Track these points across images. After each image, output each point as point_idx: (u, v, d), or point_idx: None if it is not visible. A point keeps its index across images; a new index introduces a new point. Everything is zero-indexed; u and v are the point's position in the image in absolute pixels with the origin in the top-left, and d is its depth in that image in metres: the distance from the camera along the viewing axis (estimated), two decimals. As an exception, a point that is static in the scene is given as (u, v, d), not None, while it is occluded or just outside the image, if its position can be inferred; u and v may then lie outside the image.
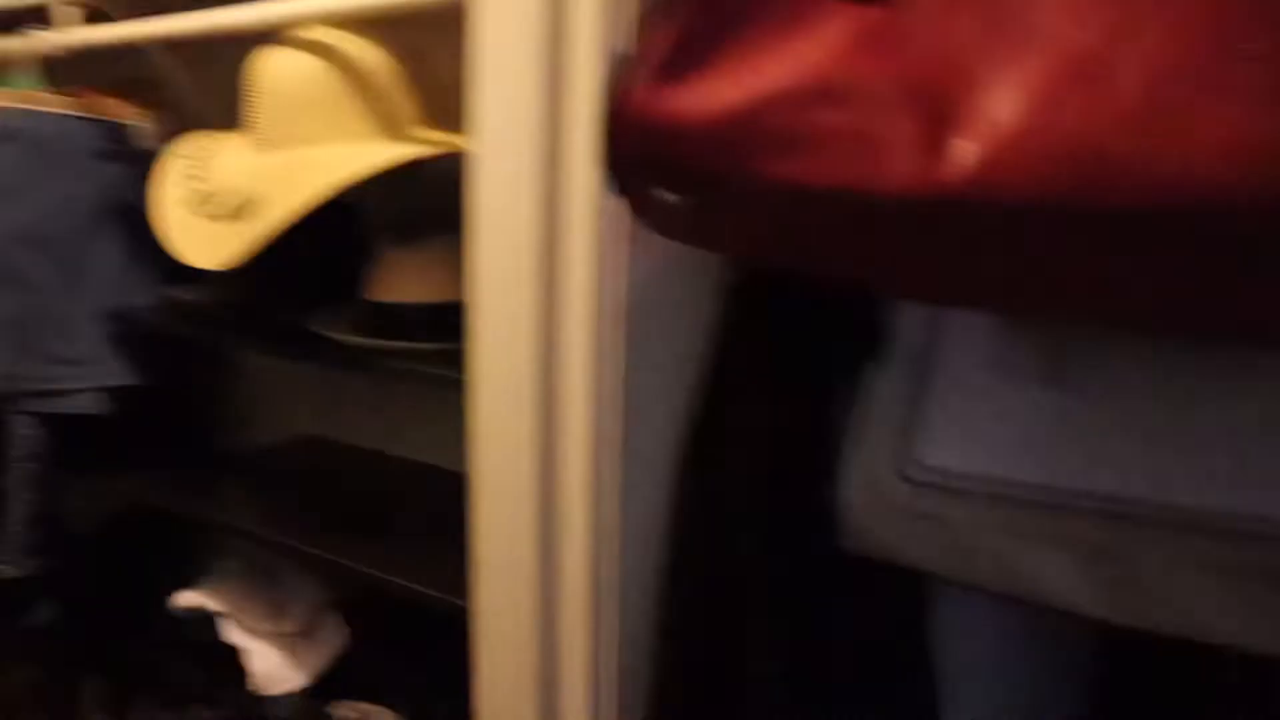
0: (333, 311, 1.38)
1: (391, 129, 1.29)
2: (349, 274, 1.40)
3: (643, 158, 0.65)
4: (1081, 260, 0.59)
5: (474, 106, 0.81)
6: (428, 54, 1.33)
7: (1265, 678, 0.75)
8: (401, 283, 1.32)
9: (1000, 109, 0.54)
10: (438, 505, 1.49)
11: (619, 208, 0.72)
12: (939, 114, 0.56)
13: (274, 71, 1.26)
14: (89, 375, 1.51)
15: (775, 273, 0.76)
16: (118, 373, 1.52)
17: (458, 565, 0.92)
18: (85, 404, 1.51)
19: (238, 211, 1.26)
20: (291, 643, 1.48)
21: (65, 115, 1.49)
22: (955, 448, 0.72)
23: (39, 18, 1.44)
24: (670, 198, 0.65)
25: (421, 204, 1.28)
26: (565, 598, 0.85)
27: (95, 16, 1.42)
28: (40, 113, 1.47)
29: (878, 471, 0.73)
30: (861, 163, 0.58)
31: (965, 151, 0.54)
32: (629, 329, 0.78)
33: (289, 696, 1.43)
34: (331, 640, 1.52)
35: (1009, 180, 0.54)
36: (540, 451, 0.82)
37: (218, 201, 1.28)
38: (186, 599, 1.52)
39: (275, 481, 1.61)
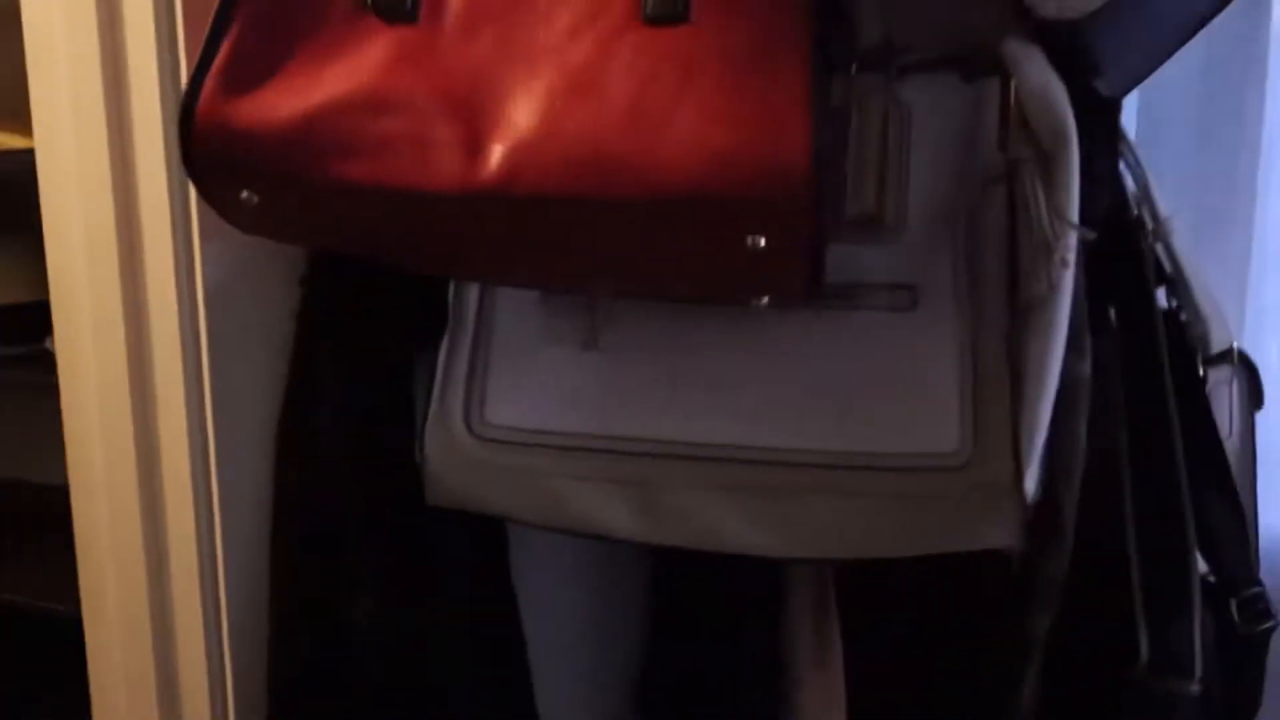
0: None
1: None
2: None
3: (217, 162, 0.70)
4: (596, 241, 0.69)
5: (36, 110, 0.82)
6: None
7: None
8: None
9: (519, 117, 0.66)
10: (32, 517, 1.43)
11: (196, 204, 0.77)
12: (473, 121, 0.67)
13: None
14: None
15: (349, 260, 0.80)
16: None
17: (57, 574, 0.94)
18: None
19: None
20: None
21: None
22: (514, 406, 0.82)
23: None
24: (247, 197, 0.70)
25: None
26: (176, 596, 0.86)
27: None
28: None
29: (452, 431, 0.81)
30: (412, 164, 0.67)
31: (495, 153, 0.65)
32: (211, 321, 0.80)
33: None
34: None
35: (530, 177, 0.65)
36: (141, 447, 0.83)
37: None
38: None
39: None
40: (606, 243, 0.69)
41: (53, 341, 0.89)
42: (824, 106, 0.66)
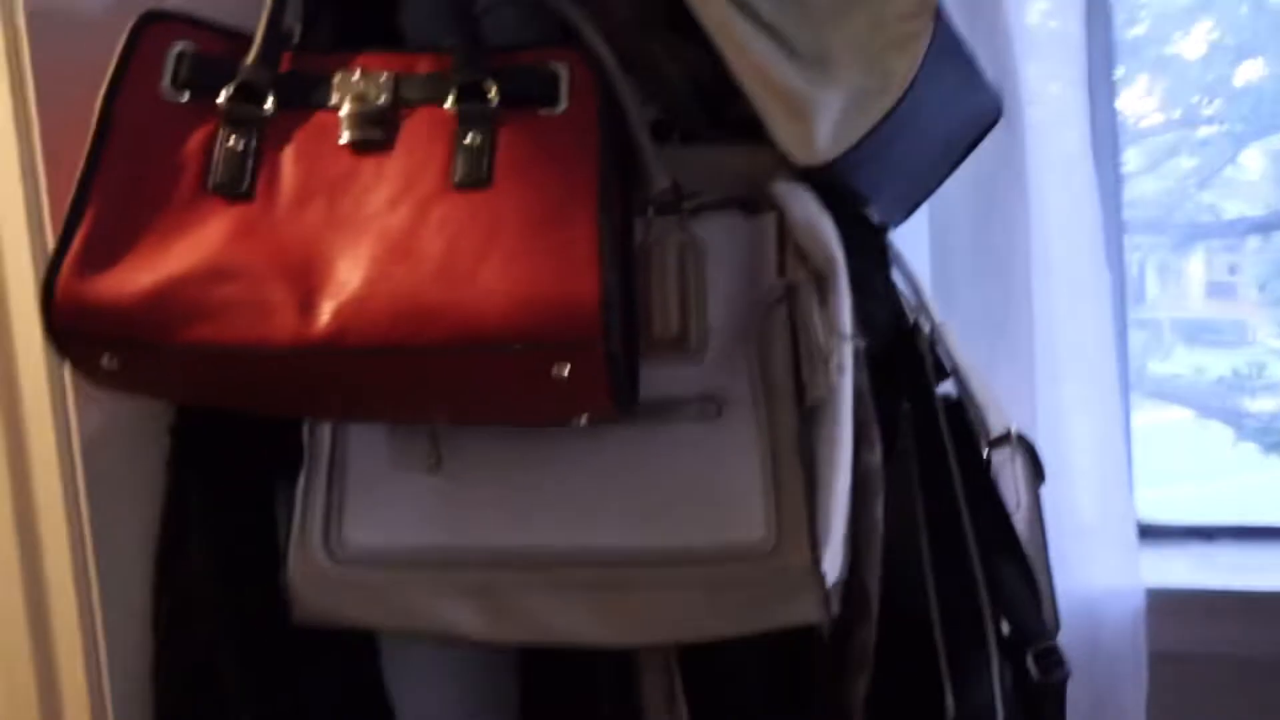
0: None
1: None
2: None
3: (76, 334, 0.71)
4: (422, 382, 0.74)
5: None
6: None
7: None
8: None
9: (347, 277, 0.70)
10: None
11: (68, 367, 0.78)
12: (305, 284, 0.70)
13: None
14: None
15: (211, 410, 0.83)
16: None
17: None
18: None
19: None
20: None
21: None
22: (368, 528, 0.82)
23: None
24: (107, 362, 0.72)
25: None
26: None
27: None
28: None
29: (313, 555, 0.81)
30: (250, 324, 0.69)
31: (325, 311, 0.69)
32: (88, 472, 0.81)
33: None
34: None
35: (357, 330, 0.69)
36: (28, 598, 0.85)
37: None
38: None
39: None
40: (432, 382, 0.73)
41: None
42: (613, 251, 0.72)
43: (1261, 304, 1.84)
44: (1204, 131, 1.71)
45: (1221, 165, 1.70)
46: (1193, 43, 1.68)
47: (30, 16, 0.76)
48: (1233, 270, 1.90)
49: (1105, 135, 1.30)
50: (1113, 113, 1.36)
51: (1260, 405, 1.82)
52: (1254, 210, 1.77)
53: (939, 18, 0.79)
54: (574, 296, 0.68)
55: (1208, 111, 1.70)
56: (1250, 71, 1.65)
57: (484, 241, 0.70)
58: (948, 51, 0.82)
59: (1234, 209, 1.78)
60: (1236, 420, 1.86)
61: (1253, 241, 1.82)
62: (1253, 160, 1.72)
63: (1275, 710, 1.20)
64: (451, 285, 0.69)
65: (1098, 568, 1.19)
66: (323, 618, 0.81)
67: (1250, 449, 1.84)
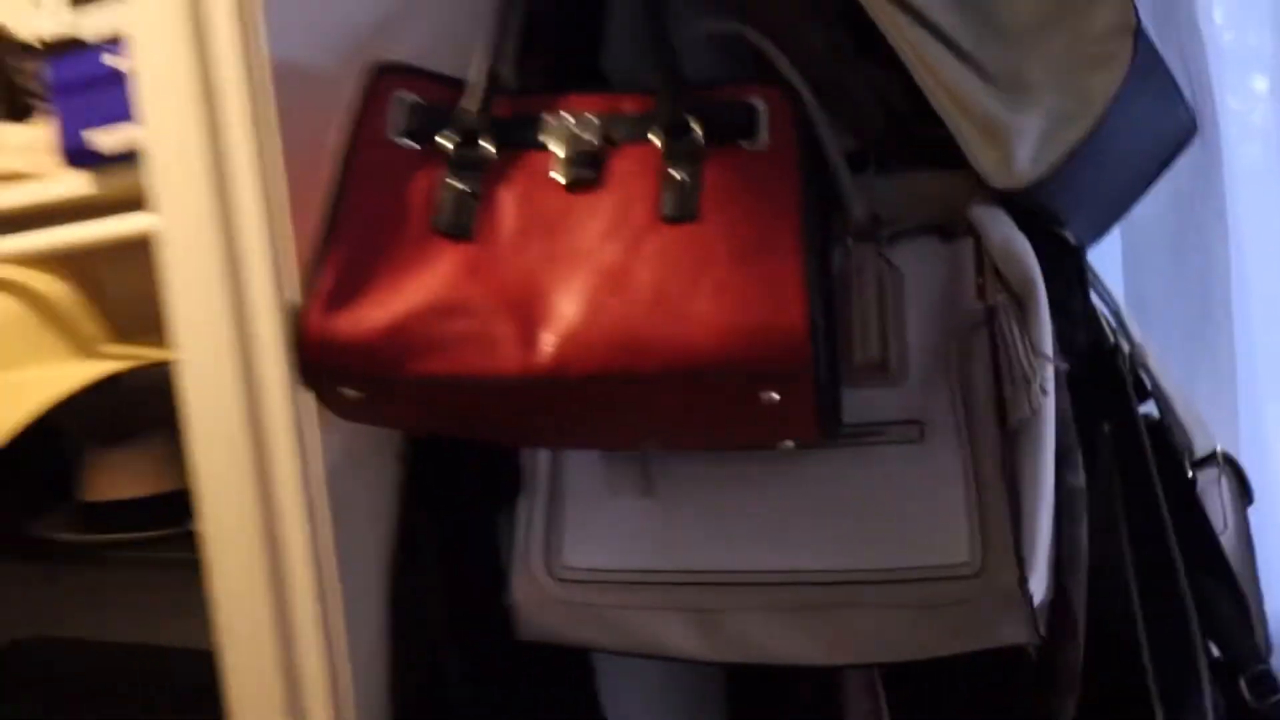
0: (47, 515, 1.41)
1: (82, 348, 1.34)
2: (56, 481, 1.42)
3: (322, 367, 0.77)
4: (637, 408, 0.76)
5: (174, 325, 0.87)
6: (105, 279, 1.39)
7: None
8: (112, 480, 1.35)
9: (566, 310, 0.73)
10: (175, 681, 1.45)
11: (310, 400, 0.81)
12: (528, 317, 0.73)
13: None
14: None
15: (438, 437, 0.86)
16: None
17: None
18: None
19: None
20: None
21: None
22: (586, 550, 0.86)
23: None
24: (349, 394, 0.77)
25: (118, 407, 1.32)
26: None
27: None
28: None
29: (535, 576, 0.85)
30: (478, 357, 0.73)
31: (548, 343, 0.72)
32: (332, 495, 0.83)
33: None
34: None
35: (578, 362, 0.72)
36: (276, 611, 0.86)
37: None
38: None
39: (13, 686, 1.57)
40: (646, 409, 0.75)
41: (192, 523, 0.91)
42: (817, 281, 0.72)
43: None
44: None
45: None
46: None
47: (274, 67, 0.79)
48: None
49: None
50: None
51: None
52: None
53: (1139, 35, 0.77)
54: (782, 326, 0.69)
55: None
56: None
57: (694, 273, 0.72)
58: (1146, 70, 0.80)
59: None
60: None
61: None
62: None
63: None
64: (664, 316, 0.71)
65: None
66: (544, 636, 0.85)
67: None
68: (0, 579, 1.74)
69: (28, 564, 1.70)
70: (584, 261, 0.74)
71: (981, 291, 0.80)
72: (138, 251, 0.91)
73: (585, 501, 0.86)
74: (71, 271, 1.37)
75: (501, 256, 0.76)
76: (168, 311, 0.87)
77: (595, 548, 0.85)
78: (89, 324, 1.36)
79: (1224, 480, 0.94)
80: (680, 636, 0.82)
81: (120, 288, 1.40)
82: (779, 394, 0.71)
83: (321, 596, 0.84)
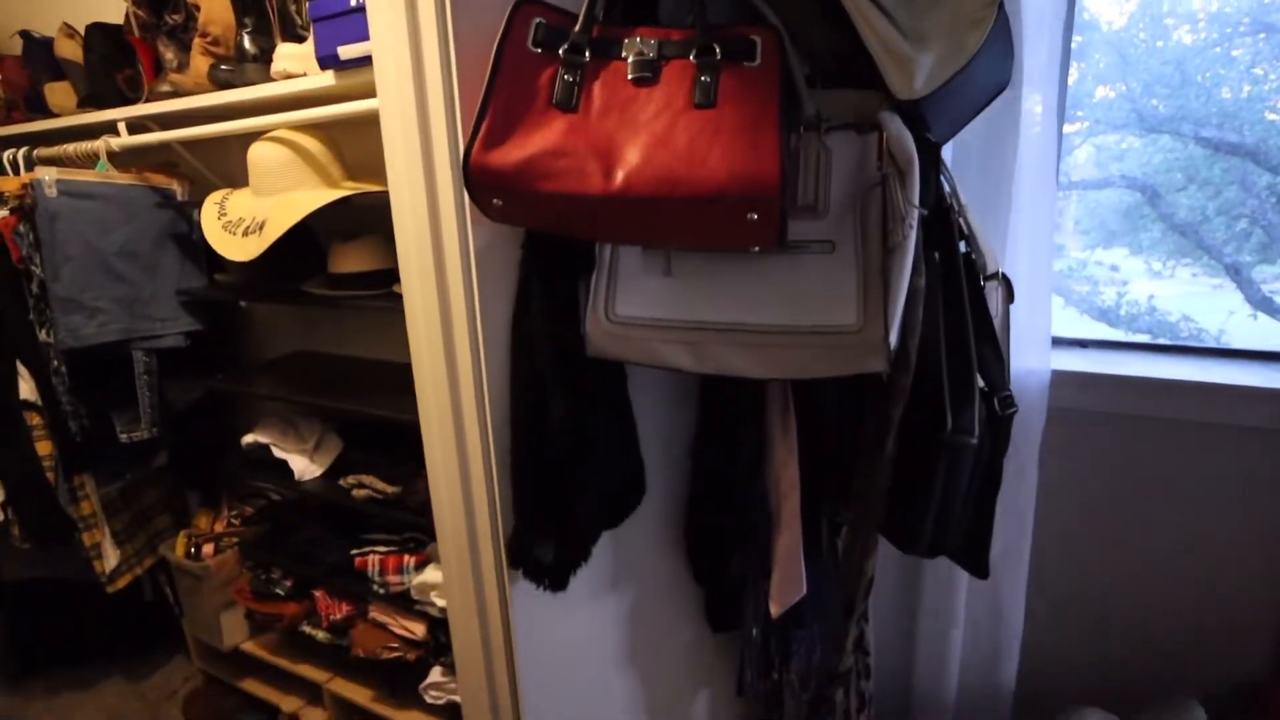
0: (311, 279, 1.42)
1: (330, 182, 1.31)
2: (316, 261, 1.44)
3: (481, 184, 0.74)
4: (668, 220, 0.72)
5: (389, 167, 0.85)
6: (347, 142, 1.36)
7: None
8: (347, 259, 1.34)
9: (631, 157, 0.70)
10: (384, 376, 1.50)
11: (469, 208, 0.79)
12: (608, 160, 0.71)
13: (260, 153, 1.29)
14: (171, 326, 1.51)
15: (546, 234, 0.83)
16: (188, 324, 1.53)
17: (408, 404, 0.95)
18: (172, 342, 1.52)
19: (250, 230, 1.28)
20: (309, 453, 1.48)
21: (131, 184, 1.45)
22: (628, 305, 0.82)
23: (111, 129, 1.42)
24: (496, 203, 0.75)
25: (350, 218, 1.30)
26: (465, 421, 0.89)
27: (135, 128, 1.41)
28: (115, 183, 1.43)
29: (598, 318, 0.83)
30: (577, 183, 0.71)
31: (618, 176, 0.70)
32: (480, 270, 0.83)
33: (314, 479, 1.44)
34: (333, 448, 1.51)
35: (637, 188, 0.69)
36: (443, 340, 0.87)
37: (238, 225, 1.30)
38: (248, 438, 1.50)
39: (287, 373, 1.58)
40: (673, 221, 0.72)
41: (398, 287, 0.94)
42: (786, 150, 0.69)
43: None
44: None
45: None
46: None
47: (454, 5, 0.76)
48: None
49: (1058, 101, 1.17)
50: (1065, 85, 1.22)
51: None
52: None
53: (1000, 7, 0.74)
54: (765, 173, 0.67)
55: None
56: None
57: (712, 139, 0.69)
58: (999, 34, 0.75)
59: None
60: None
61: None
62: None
63: (1126, 447, 1.17)
64: (692, 164, 0.68)
65: (1028, 355, 1.14)
66: (601, 353, 0.84)
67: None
68: (282, 318, 1.79)
69: (300, 309, 1.74)
70: (643, 129, 0.71)
71: (879, 165, 0.76)
72: (369, 125, 0.90)
73: (630, 277, 0.83)
74: (327, 136, 1.33)
75: (592, 123, 0.72)
76: (386, 160, 0.85)
77: (634, 304, 0.82)
78: (335, 168, 1.32)
79: (999, 289, 0.92)
80: (679, 356, 0.81)
81: (357, 149, 1.38)
82: (758, 215, 0.68)
83: (473, 328, 0.85)
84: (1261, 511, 1.09)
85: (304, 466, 1.46)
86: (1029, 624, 1.14)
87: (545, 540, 0.91)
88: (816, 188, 0.78)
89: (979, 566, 0.94)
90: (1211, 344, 1.39)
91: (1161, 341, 1.42)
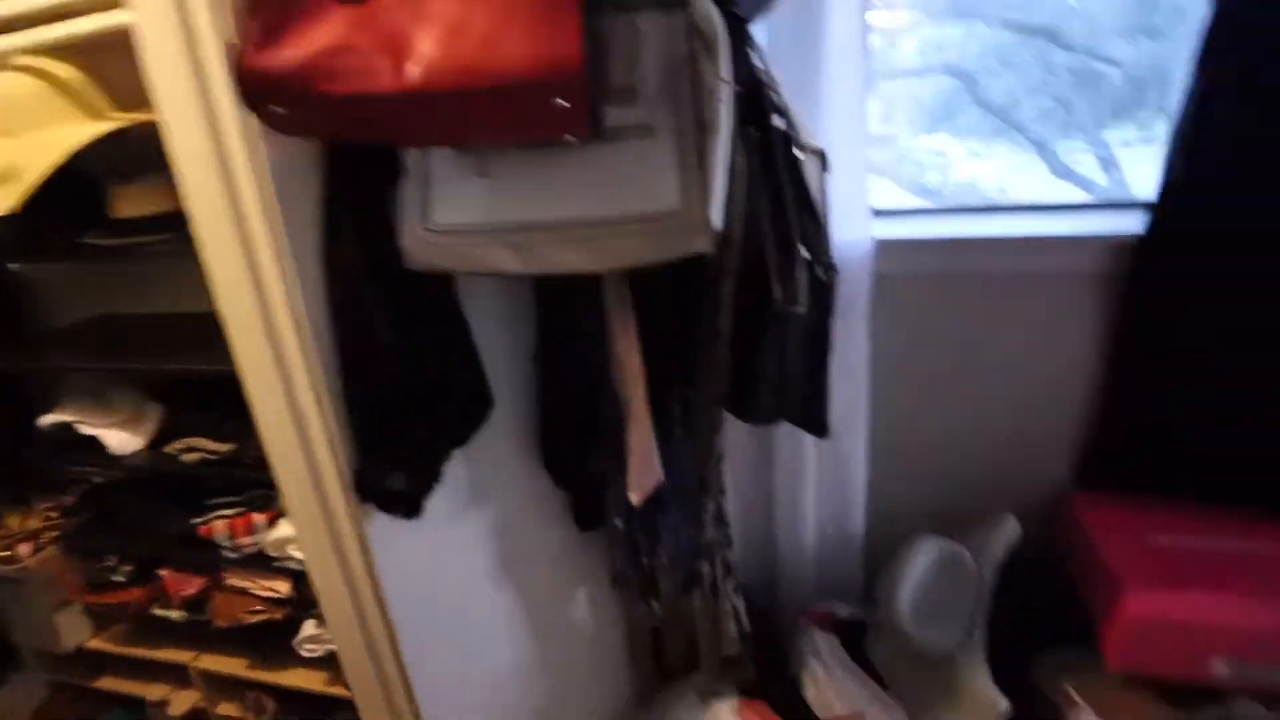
0: (90, 230, 1.22)
1: (94, 114, 1.10)
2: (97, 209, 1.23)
3: (257, 91, 0.69)
4: (475, 114, 0.69)
5: (154, 93, 0.76)
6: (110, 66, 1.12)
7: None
8: (129, 204, 1.18)
9: (424, 49, 0.66)
10: (199, 329, 1.35)
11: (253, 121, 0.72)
12: (398, 54, 0.66)
13: (3, 86, 1.07)
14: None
15: (346, 144, 0.78)
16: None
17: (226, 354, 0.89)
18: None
19: (4, 178, 1.04)
20: (126, 424, 1.34)
21: None
22: (446, 211, 0.80)
23: None
24: (279, 110, 0.69)
25: (136, 156, 1.12)
26: (289, 360, 0.83)
27: None
28: None
29: (414, 229, 0.79)
30: (365, 81, 0.67)
31: (412, 71, 0.66)
32: (281, 193, 0.76)
33: (137, 452, 1.31)
34: (153, 415, 1.37)
35: (434, 81, 0.66)
36: (250, 278, 0.80)
37: (-14, 173, 1.11)
38: (47, 419, 1.33)
39: (83, 340, 1.41)
40: (479, 114, 0.69)
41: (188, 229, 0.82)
42: (590, 32, 0.66)
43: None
44: None
45: None
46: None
47: None
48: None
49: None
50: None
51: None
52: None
53: None
54: (568, 55, 0.65)
55: None
56: None
57: (509, 24, 0.65)
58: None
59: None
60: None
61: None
62: None
63: (949, 301, 1.25)
64: (490, 51, 0.65)
65: (851, 226, 1.17)
66: (422, 265, 0.80)
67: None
68: (69, 281, 1.55)
69: (89, 266, 1.52)
70: (436, 17, 0.66)
71: (689, 43, 0.74)
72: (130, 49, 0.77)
73: (444, 182, 0.79)
74: (86, 62, 1.11)
75: (379, 14, 0.67)
76: (150, 74, 0.74)
77: (452, 210, 0.79)
78: (99, 99, 1.11)
79: (816, 160, 0.94)
80: (505, 260, 0.78)
81: (130, 76, 1.17)
82: (566, 100, 0.66)
83: (281, 258, 0.78)
84: (1064, 343, 1.22)
85: (122, 440, 1.32)
86: (872, 474, 1.24)
87: (393, 469, 0.89)
88: (631, 70, 0.76)
89: (820, 427, 1.01)
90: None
91: (971, 204, 1.52)
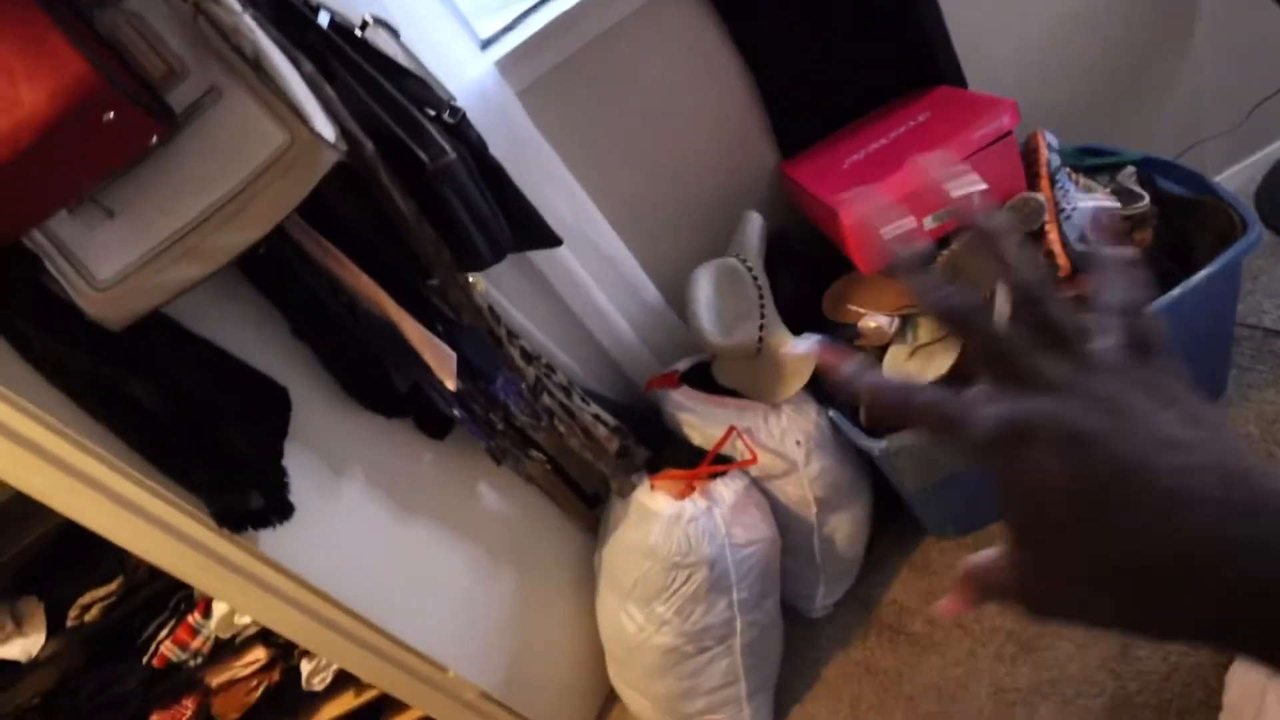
0: None
1: None
2: None
3: None
4: (49, 168, 0.69)
5: None
6: None
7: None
8: None
9: None
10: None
11: None
12: None
13: None
14: None
15: None
16: None
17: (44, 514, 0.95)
18: None
19: None
20: (14, 634, 1.29)
21: None
22: (103, 265, 0.78)
23: None
24: None
25: None
26: (99, 478, 0.85)
27: None
28: None
29: (88, 295, 0.78)
30: None
31: None
32: None
33: (45, 648, 1.26)
34: (35, 610, 1.32)
35: None
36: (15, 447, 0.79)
37: None
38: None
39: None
40: (48, 169, 0.69)
41: None
42: (85, 40, 0.67)
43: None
44: None
45: None
46: None
47: None
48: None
49: None
50: None
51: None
52: None
53: None
54: (76, 72, 0.65)
55: None
56: None
57: (11, 82, 0.65)
58: None
59: None
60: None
61: None
62: None
63: (592, 74, 1.27)
64: (14, 112, 0.65)
65: (466, 66, 1.12)
66: (125, 320, 0.79)
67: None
68: None
69: None
70: None
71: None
72: None
73: (79, 241, 0.78)
74: None
75: None
76: None
77: (107, 261, 0.78)
78: None
79: (383, 30, 0.97)
80: (189, 270, 0.79)
81: None
82: (114, 113, 0.67)
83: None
84: (702, 56, 1.31)
85: (25, 646, 1.30)
86: (632, 246, 1.35)
87: (242, 492, 0.94)
88: (158, 51, 0.77)
89: (549, 238, 1.10)
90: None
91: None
